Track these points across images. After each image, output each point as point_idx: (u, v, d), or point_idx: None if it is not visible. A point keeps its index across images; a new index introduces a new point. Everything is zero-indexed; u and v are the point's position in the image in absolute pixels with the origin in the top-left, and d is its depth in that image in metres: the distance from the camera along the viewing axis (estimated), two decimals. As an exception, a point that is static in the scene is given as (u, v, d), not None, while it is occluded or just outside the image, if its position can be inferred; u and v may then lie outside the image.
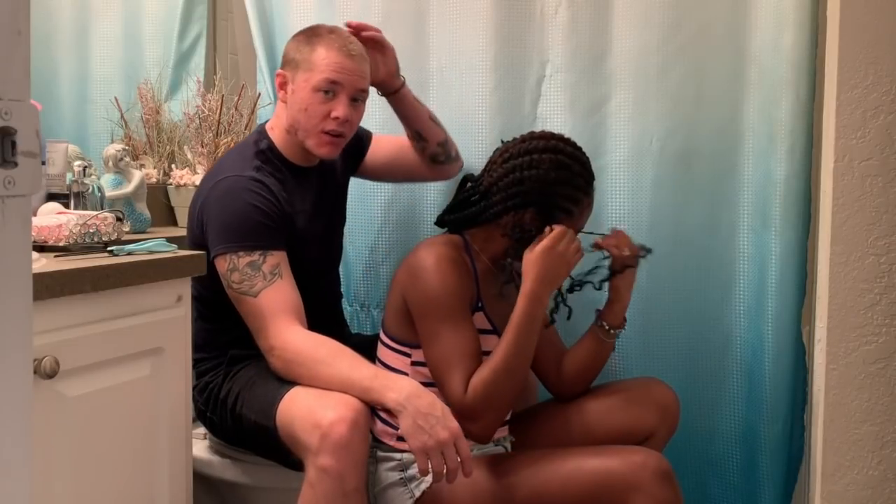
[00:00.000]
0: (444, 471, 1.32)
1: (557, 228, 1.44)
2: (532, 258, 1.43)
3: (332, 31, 1.57)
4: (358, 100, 1.57)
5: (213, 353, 1.59)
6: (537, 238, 1.44)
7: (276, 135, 1.61)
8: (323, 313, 1.61)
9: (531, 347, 1.43)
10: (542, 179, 1.47)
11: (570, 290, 1.56)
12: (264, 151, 1.58)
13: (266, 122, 1.66)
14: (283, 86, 1.57)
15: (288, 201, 1.55)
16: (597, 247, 1.54)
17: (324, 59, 1.52)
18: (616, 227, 1.58)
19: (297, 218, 1.57)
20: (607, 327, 1.57)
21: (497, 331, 1.51)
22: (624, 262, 1.53)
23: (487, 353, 1.48)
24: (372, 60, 1.62)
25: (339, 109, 1.53)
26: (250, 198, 1.48)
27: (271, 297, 1.44)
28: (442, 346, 1.42)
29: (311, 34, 1.56)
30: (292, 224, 1.55)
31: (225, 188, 1.50)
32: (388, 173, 1.83)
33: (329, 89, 1.53)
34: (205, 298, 1.55)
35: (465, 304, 1.45)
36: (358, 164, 1.79)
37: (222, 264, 1.47)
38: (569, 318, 1.57)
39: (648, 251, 1.55)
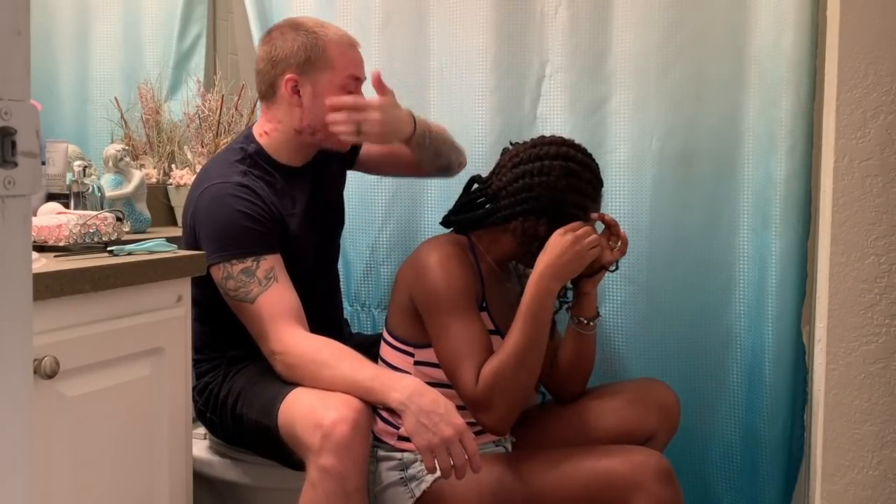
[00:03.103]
0: (452, 467, 1.32)
1: (585, 228, 1.44)
2: (553, 245, 1.43)
3: (322, 24, 1.57)
4: None
5: (211, 355, 1.59)
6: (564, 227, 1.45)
7: (271, 138, 1.59)
8: (322, 314, 1.60)
9: (542, 335, 1.42)
10: (552, 187, 1.47)
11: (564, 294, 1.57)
12: (252, 156, 1.57)
13: (251, 125, 1.64)
14: (295, 90, 1.55)
15: (278, 204, 1.54)
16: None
17: (342, 56, 1.54)
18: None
19: (290, 220, 1.56)
20: (585, 321, 1.56)
21: (500, 332, 1.51)
22: (608, 263, 1.52)
23: None
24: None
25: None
26: (237, 204, 1.47)
27: (268, 301, 1.44)
28: (452, 341, 1.42)
29: (307, 31, 1.54)
30: (285, 226, 1.54)
31: (211, 196, 1.50)
32: (386, 168, 1.81)
33: (353, 86, 1.55)
34: (201, 302, 1.55)
35: (472, 298, 1.45)
36: (355, 158, 1.78)
37: (217, 273, 1.47)
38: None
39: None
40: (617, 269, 1.56)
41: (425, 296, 1.44)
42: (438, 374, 1.46)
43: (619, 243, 1.52)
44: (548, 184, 1.47)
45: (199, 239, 1.50)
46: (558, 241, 1.42)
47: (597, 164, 1.54)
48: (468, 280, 1.45)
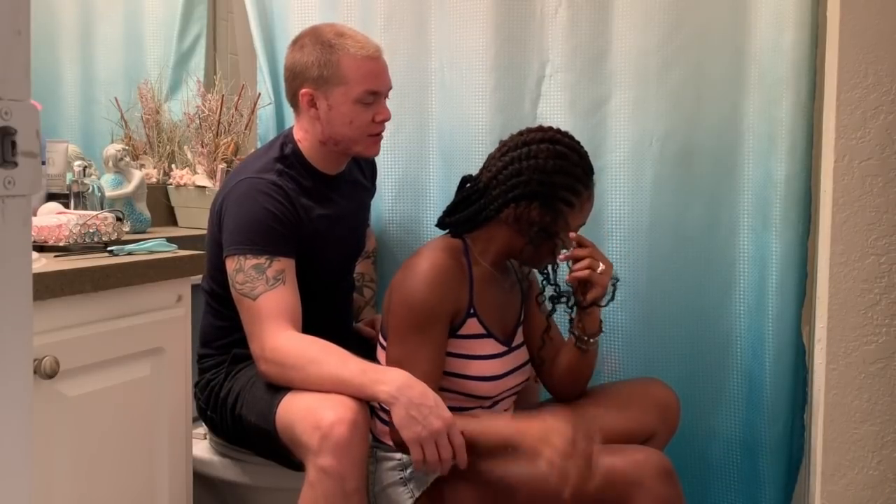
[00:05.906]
0: (439, 461, 1.32)
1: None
2: None
3: (341, 34, 1.56)
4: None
5: (217, 350, 1.60)
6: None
7: (303, 146, 1.61)
8: (335, 319, 1.62)
9: None
10: (541, 169, 1.46)
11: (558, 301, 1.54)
12: (288, 157, 1.58)
13: (291, 127, 1.65)
14: (312, 103, 1.56)
15: (307, 207, 1.55)
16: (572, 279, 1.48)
17: (356, 70, 1.53)
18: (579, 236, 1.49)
19: (318, 223, 1.57)
20: (587, 338, 1.53)
21: (492, 334, 1.51)
22: (595, 298, 1.48)
23: (482, 357, 1.48)
24: None
25: (384, 112, 1.59)
26: (266, 202, 1.49)
27: (269, 301, 1.44)
28: (403, 352, 1.42)
29: (324, 44, 1.54)
30: (312, 229, 1.55)
31: (244, 188, 1.51)
32: None
33: (370, 99, 1.56)
34: (217, 294, 1.56)
35: (441, 322, 1.44)
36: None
37: (231, 264, 1.47)
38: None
39: (616, 280, 1.49)
40: (608, 304, 1.50)
41: (400, 299, 1.44)
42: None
43: (601, 269, 1.46)
44: (536, 166, 1.46)
45: (222, 226, 1.52)
46: None
47: (585, 151, 1.52)
48: (445, 303, 1.43)
